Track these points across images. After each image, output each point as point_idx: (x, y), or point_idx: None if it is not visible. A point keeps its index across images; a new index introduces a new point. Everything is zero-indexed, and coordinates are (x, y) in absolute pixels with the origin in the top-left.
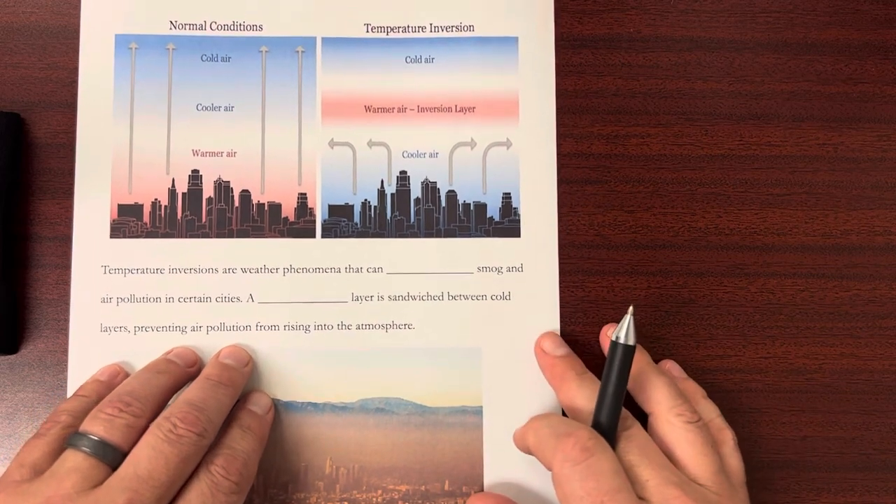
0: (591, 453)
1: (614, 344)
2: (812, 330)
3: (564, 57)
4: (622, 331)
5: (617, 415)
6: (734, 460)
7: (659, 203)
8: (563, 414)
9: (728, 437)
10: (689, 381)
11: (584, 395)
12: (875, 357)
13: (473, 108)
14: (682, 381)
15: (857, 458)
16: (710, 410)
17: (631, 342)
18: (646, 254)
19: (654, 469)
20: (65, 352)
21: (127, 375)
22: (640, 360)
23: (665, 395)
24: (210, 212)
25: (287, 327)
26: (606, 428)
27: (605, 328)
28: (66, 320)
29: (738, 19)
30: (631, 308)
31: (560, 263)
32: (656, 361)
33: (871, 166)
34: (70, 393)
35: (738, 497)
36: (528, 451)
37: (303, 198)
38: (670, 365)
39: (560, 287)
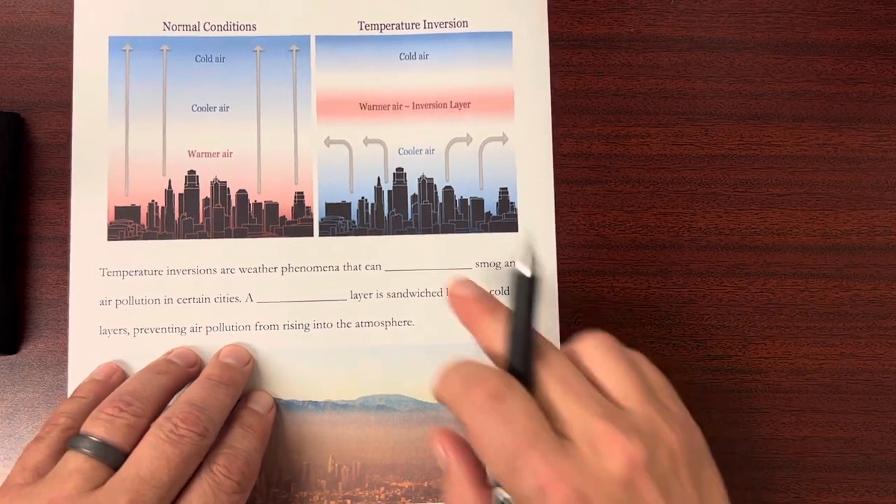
0: (501, 399)
1: (519, 277)
2: (812, 330)
3: (564, 57)
4: (524, 261)
5: (529, 351)
6: (659, 377)
7: (659, 203)
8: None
9: (643, 357)
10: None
11: (499, 331)
12: (875, 357)
13: (468, 103)
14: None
15: (857, 458)
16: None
17: (530, 274)
18: (646, 254)
19: (576, 402)
20: (65, 352)
21: (123, 373)
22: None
23: (586, 335)
24: (207, 212)
25: (286, 326)
26: (521, 367)
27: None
28: (66, 321)
29: (738, 19)
30: (528, 238)
31: (559, 263)
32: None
33: (871, 166)
34: (71, 393)
35: (672, 417)
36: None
37: (300, 197)
38: None
39: (559, 287)
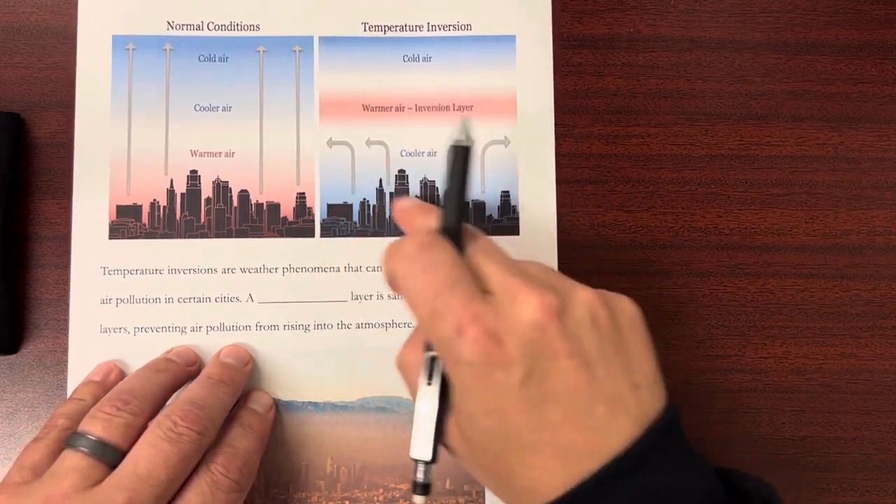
0: (427, 248)
1: (453, 147)
2: (812, 330)
3: (564, 57)
4: (459, 133)
5: (460, 218)
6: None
7: (659, 203)
8: None
9: None
10: None
11: (431, 219)
12: (875, 357)
13: (471, 106)
14: None
15: (857, 458)
16: None
17: (467, 144)
18: (646, 254)
19: (497, 264)
20: (65, 352)
21: (121, 372)
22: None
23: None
24: (209, 212)
25: (287, 327)
26: (453, 231)
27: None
28: (66, 320)
29: (738, 19)
30: (466, 119)
31: (560, 264)
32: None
33: (871, 166)
34: (69, 395)
35: (589, 287)
36: (392, 280)
37: (301, 197)
38: None
39: None
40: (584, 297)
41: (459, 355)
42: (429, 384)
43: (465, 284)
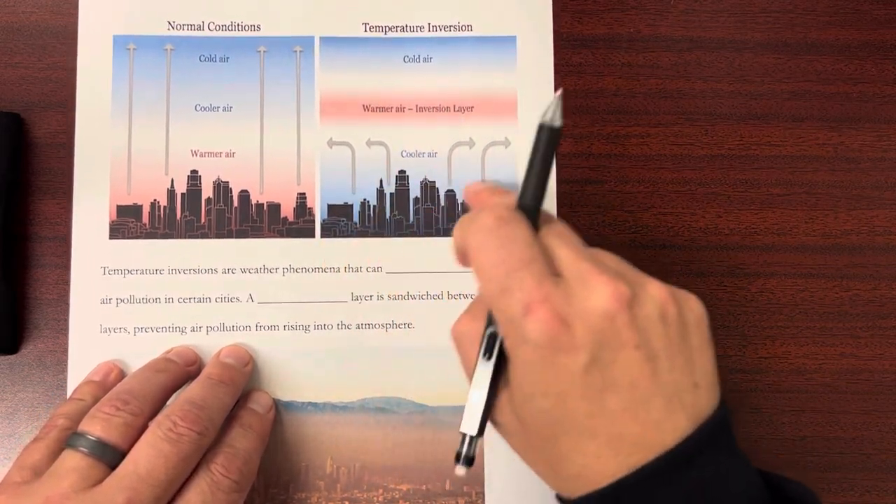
0: (505, 223)
1: (541, 126)
2: (812, 330)
3: (564, 57)
4: (549, 113)
5: (540, 197)
6: None
7: (659, 203)
8: None
9: None
10: None
11: (506, 198)
12: (875, 357)
13: (472, 107)
14: None
15: (857, 458)
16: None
17: (557, 124)
18: (646, 254)
19: (570, 249)
20: (65, 352)
21: (121, 372)
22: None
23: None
24: (209, 212)
25: (287, 327)
26: (531, 209)
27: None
28: (66, 320)
29: (738, 19)
30: (560, 90)
31: None
32: None
33: (871, 166)
34: (69, 395)
35: (670, 287)
36: (463, 254)
37: (302, 198)
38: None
39: None
40: (655, 291)
41: (526, 335)
42: (487, 359)
43: (538, 264)
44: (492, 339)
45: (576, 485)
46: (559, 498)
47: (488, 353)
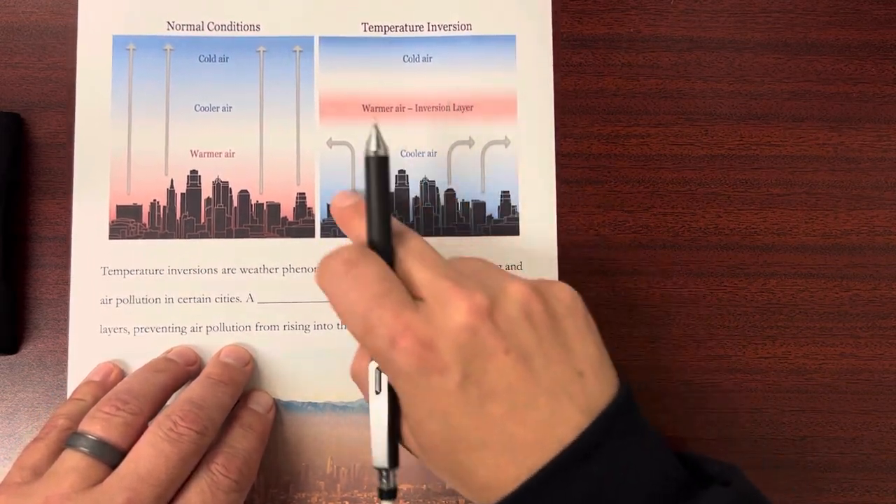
0: (354, 265)
1: (368, 158)
2: (812, 330)
3: (564, 57)
4: (371, 144)
5: (386, 229)
6: None
7: (659, 203)
8: None
9: None
10: None
11: (356, 234)
12: (875, 357)
13: (471, 106)
14: None
15: (857, 458)
16: None
17: (382, 153)
18: (646, 254)
19: (427, 269)
20: (65, 352)
21: (121, 372)
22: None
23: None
24: (209, 212)
25: (287, 327)
26: (379, 244)
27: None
28: (66, 320)
29: (738, 19)
30: (375, 123)
31: (560, 264)
32: (657, 362)
33: (871, 166)
34: (69, 395)
35: (524, 279)
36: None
37: (301, 197)
38: None
39: None
40: (514, 291)
41: (396, 366)
42: (377, 392)
43: (394, 295)
44: (378, 373)
45: (487, 496)
46: None
47: (378, 387)
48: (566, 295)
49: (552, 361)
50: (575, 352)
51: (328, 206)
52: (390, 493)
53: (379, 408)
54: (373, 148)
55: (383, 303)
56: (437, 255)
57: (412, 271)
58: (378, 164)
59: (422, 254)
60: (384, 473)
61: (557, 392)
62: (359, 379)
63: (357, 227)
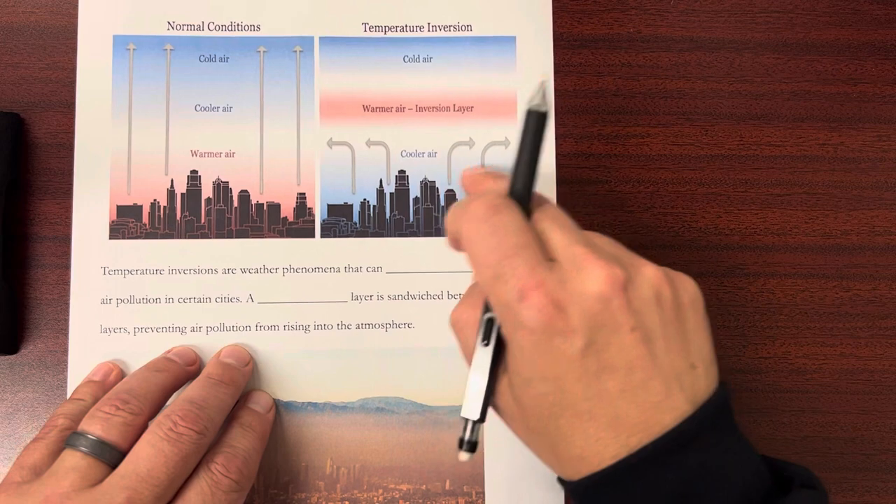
0: (497, 210)
1: (529, 112)
2: (812, 330)
3: (564, 57)
4: (536, 98)
5: (531, 184)
6: None
7: (659, 203)
8: None
9: None
10: None
11: (500, 184)
12: (875, 357)
13: (472, 107)
14: None
15: (857, 458)
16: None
17: (544, 109)
18: (646, 254)
19: (564, 232)
20: (65, 352)
21: (121, 372)
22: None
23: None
24: (209, 212)
25: (287, 327)
26: (522, 195)
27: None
28: (66, 320)
29: (738, 19)
30: (544, 76)
31: None
32: None
33: (871, 166)
34: (69, 395)
35: (663, 268)
36: (456, 240)
37: (302, 198)
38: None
39: None
40: (650, 273)
41: (521, 320)
42: (485, 345)
43: (531, 250)
44: (489, 324)
45: (577, 467)
46: (561, 481)
47: (486, 338)
48: (693, 288)
49: (671, 349)
50: (692, 344)
51: (327, 207)
52: (472, 445)
53: (483, 359)
54: (536, 101)
55: (521, 254)
56: (572, 222)
57: (549, 231)
58: (538, 120)
59: (559, 218)
60: (471, 425)
61: (671, 379)
62: (462, 326)
63: (491, 185)
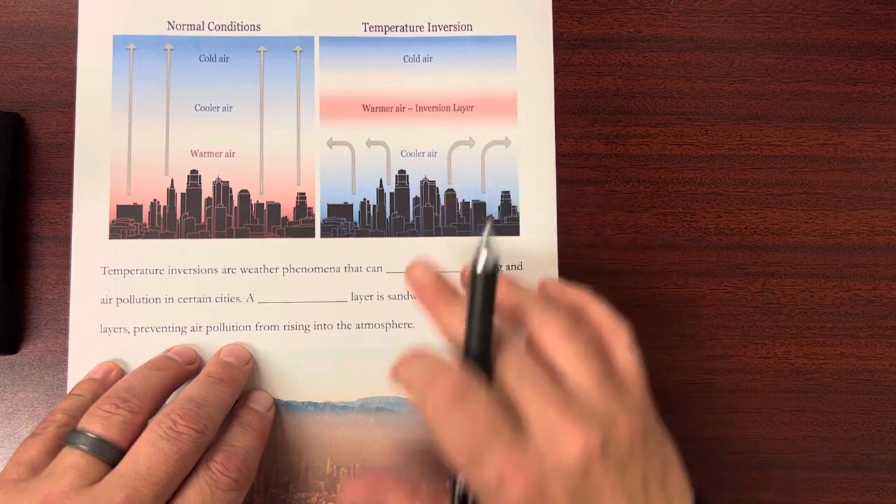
0: (463, 395)
1: (474, 274)
2: (812, 330)
3: (564, 57)
4: (481, 261)
5: (488, 342)
6: (627, 358)
7: (659, 203)
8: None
9: (621, 334)
10: (571, 289)
11: (458, 319)
12: (875, 357)
13: (472, 107)
14: (564, 291)
15: (857, 458)
16: (599, 311)
17: (492, 268)
18: (646, 254)
19: (533, 391)
20: (65, 352)
21: (121, 372)
22: (510, 287)
23: (534, 315)
24: (209, 212)
25: (287, 327)
26: (479, 356)
27: (463, 268)
28: (66, 320)
29: (738, 19)
30: (488, 225)
31: (560, 263)
32: (657, 363)
33: (871, 166)
34: (69, 392)
35: (628, 400)
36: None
37: (302, 197)
38: (544, 280)
39: None
40: (622, 426)
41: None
42: None
43: (504, 432)
44: (462, 493)
45: None
46: None
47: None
48: (654, 421)
49: (651, 493)
50: (668, 478)
51: (327, 207)
52: None
53: None
54: (486, 260)
55: (494, 438)
56: (538, 368)
57: (516, 391)
58: (489, 281)
59: (523, 368)
60: None
61: None
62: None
63: (444, 317)
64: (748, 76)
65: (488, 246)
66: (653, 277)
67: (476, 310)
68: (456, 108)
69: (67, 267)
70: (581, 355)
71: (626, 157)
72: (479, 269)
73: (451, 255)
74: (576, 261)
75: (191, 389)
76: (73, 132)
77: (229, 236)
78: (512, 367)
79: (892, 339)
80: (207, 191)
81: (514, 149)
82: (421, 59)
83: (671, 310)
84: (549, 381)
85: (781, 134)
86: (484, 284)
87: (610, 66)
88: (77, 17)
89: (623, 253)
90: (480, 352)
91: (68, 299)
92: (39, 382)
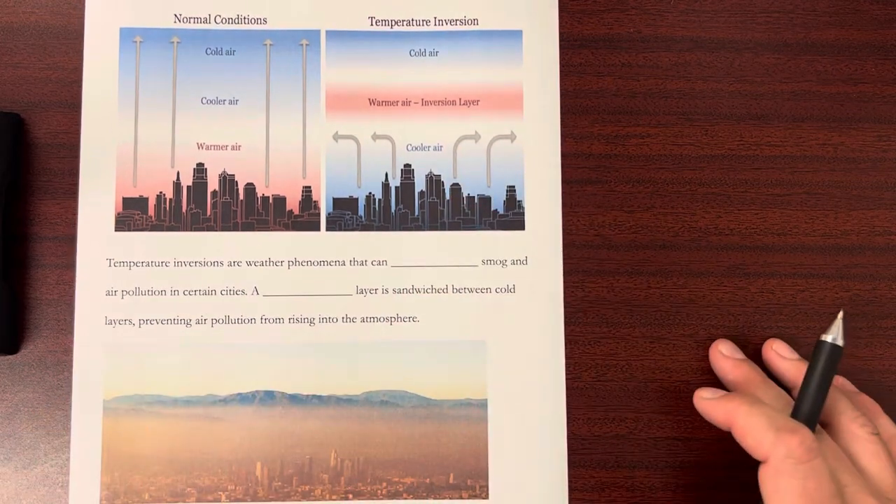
0: (815, 455)
1: (822, 343)
2: (812, 330)
3: (565, 57)
4: (834, 331)
5: (817, 415)
6: None
7: (659, 203)
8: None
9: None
10: (864, 396)
11: (772, 395)
12: (875, 357)
13: (477, 101)
14: (857, 395)
15: None
16: (889, 426)
17: (840, 343)
18: (646, 254)
19: (850, 475)
20: (65, 352)
21: None
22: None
23: (846, 405)
24: (215, 205)
25: (292, 320)
26: (808, 419)
27: (768, 342)
28: (67, 320)
29: (738, 19)
30: (841, 312)
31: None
32: (657, 363)
33: (871, 166)
34: (74, 388)
35: None
36: (723, 426)
37: (307, 191)
38: (842, 381)
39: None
40: None
41: None
42: None
43: (836, 500)
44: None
45: None
46: None
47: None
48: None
49: None
50: None
51: (332, 200)
52: None
53: None
54: (834, 337)
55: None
56: (847, 458)
57: (836, 471)
58: (832, 353)
59: (838, 454)
60: None
61: None
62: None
63: (757, 388)
64: (748, 76)
65: (841, 324)
66: (653, 277)
67: (815, 378)
68: (462, 103)
69: (68, 267)
70: (885, 462)
71: (626, 157)
72: (832, 341)
73: (456, 249)
74: (576, 261)
75: None
76: (74, 132)
77: (235, 229)
78: (830, 449)
79: (892, 339)
80: (213, 184)
81: (519, 143)
82: (427, 53)
83: (671, 310)
84: (860, 473)
85: (781, 134)
86: (829, 357)
87: (610, 66)
88: (79, 16)
89: (623, 253)
90: (811, 415)
91: (69, 299)
92: (39, 382)
